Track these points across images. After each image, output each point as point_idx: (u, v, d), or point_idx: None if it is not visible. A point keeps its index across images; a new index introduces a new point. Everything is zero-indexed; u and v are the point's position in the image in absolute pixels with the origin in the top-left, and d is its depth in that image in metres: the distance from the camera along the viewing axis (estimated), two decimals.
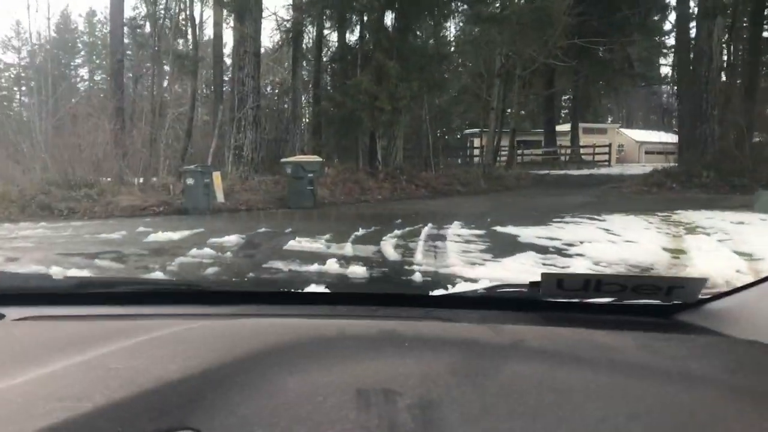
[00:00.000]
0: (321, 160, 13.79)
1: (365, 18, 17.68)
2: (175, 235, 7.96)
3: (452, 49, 24.92)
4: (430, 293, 1.30)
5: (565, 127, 34.63)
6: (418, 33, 19.17)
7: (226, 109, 17.18)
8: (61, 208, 11.53)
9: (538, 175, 23.38)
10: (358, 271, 5.26)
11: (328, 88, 20.29)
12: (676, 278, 1.10)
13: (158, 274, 5.17)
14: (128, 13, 20.68)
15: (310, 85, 21.45)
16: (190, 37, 20.62)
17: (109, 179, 13.81)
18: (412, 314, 1.20)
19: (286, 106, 21.86)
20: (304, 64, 21.07)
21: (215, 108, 17.90)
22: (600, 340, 0.90)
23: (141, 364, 0.72)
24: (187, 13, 20.45)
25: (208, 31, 24.30)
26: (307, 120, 22.40)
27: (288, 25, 18.68)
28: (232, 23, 17.09)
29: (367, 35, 17.89)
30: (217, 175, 12.68)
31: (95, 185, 12.62)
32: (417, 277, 4.98)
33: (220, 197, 12.60)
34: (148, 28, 21.11)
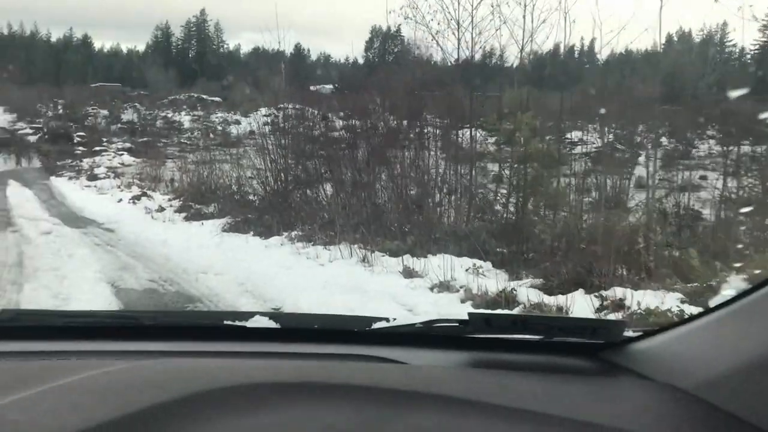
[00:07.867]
0: None
1: None
2: None
3: None
4: (369, 328, 1.30)
5: None
6: None
7: None
8: None
9: None
10: None
11: None
12: (601, 320, 1.15)
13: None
14: None
15: None
16: None
17: None
18: (352, 351, 1.22)
19: None
20: None
21: None
22: (519, 389, 0.96)
23: (39, 416, 0.71)
24: None
25: None
26: None
27: None
28: None
29: None
30: None
31: None
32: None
33: None
34: None
